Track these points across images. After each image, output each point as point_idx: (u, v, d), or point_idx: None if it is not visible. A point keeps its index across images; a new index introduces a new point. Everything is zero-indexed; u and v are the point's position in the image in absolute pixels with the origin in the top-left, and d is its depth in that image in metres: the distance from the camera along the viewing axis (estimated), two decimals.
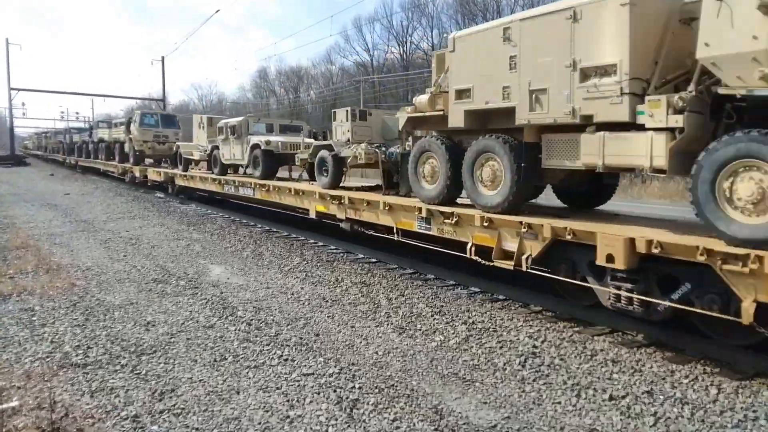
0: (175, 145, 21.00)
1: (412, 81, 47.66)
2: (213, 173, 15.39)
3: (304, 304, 6.76)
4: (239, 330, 5.70)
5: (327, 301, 6.86)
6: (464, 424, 3.85)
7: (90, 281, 7.59)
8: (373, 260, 9.34)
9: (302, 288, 7.50)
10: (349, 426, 3.78)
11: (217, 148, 15.06)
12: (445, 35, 46.94)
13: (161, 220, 13.73)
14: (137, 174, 21.77)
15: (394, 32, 52.81)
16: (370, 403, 4.11)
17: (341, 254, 9.93)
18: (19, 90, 42.58)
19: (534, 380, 4.58)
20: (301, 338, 5.49)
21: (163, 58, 44.63)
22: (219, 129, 14.77)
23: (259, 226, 13.14)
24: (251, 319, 6.05)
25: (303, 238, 11.48)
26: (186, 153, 17.62)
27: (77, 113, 74.57)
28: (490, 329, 5.86)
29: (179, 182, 17.94)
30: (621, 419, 3.94)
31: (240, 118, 14.22)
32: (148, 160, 23.63)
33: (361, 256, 9.70)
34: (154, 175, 20.22)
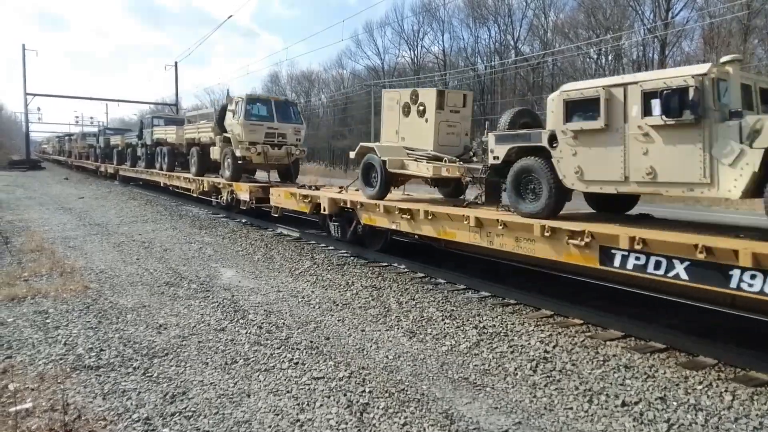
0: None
1: (424, 85, 47.72)
2: (512, 211, 7.05)
3: (314, 307, 6.77)
4: (250, 333, 5.72)
5: (337, 305, 6.86)
6: (475, 429, 3.82)
7: (103, 284, 7.66)
8: (384, 264, 9.33)
9: (313, 291, 7.51)
10: (359, 430, 3.77)
11: (535, 152, 6.67)
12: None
13: (174, 224, 13.83)
14: (245, 196, 13.10)
15: (405, 36, 52.97)
16: (381, 407, 4.10)
17: (352, 258, 9.93)
18: (34, 95, 43.22)
19: (545, 385, 4.55)
20: (311, 342, 5.50)
21: (176, 63, 45.15)
22: (569, 104, 6.20)
23: (270, 229, 13.19)
24: (262, 323, 6.07)
25: (314, 242, 11.50)
26: (392, 165, 8.89)
27: (91, 118, 75.48)
28: (501, 334, 5.83)
29: (402, 226, 8.45)
30: (634, 425, 3.89)
31: (701, 68, 5.21)
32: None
33: (371, 259, 9.70)
34: (290, 202, 11.37)
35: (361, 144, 10.04)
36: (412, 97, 9.47)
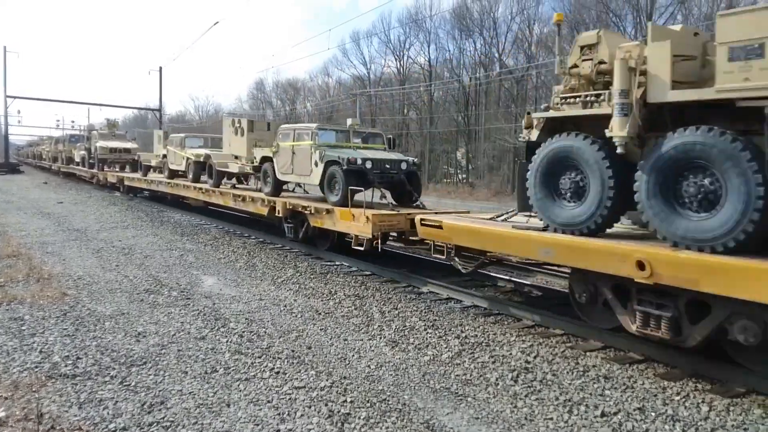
0: None
1: (409, 95, 47.94)
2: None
3: (296, 316, 6.73)
4: (231, 342, 5.67)
5: (320, 314, 6.83)
6: None
7: (81, 291, 7.53)
8: (367, 273, 9.32)
9: (295, 300, 7.47)
10: None
11: None
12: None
13: (155, 230, 13.67)
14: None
15: (392, 47, 53.13)
16: (362, 417, 4.08)
17: (335, 267, 9.90)
18: (15, 98, 42.54)
19: (526, 396, 4.57)
20: (293, 351, 5.46)
21: (160, 68, 44.79)
22: None
23: (253, 237, 13.10)
24: (243, 331, 6.01)
25: (297, 249, 11.45)
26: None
27: (73, 122, 74.15)
28: (483, 344, 5.85)
29: None
30: None
31: None
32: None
33: (354, 269, 9.68)
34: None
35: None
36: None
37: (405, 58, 51.94)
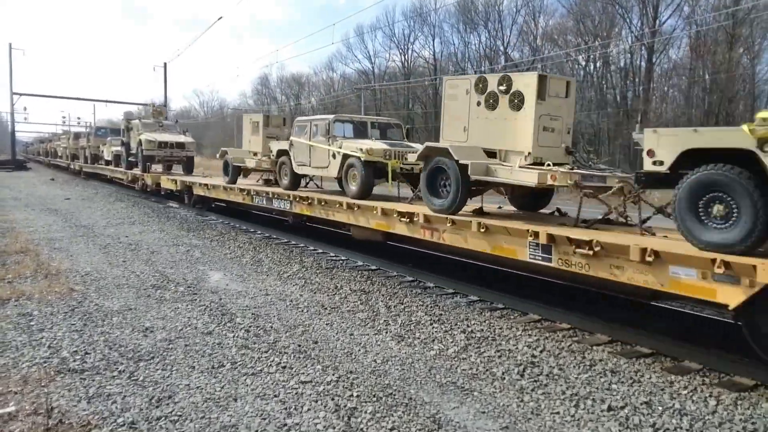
0: None
1: (414, 89, 47.88)
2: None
3: (302, 311, 6.75)
4: (237, 337, 5.69)
5: (326, 309, 6.85)
6: None
7: (89, 286, 7.57)
8: (373, 268, 9.33)
9: (301, 295, 7.49)
10: None
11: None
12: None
13: (161, 226, 13.72)
14: None
15: (396, 40, 53.05)
16: (368, 411, 4.09)
17: (341, 261, 9.92)
18: (21, 95, 42.75)
19: (532, 390, 4.57)
20: (299, 345, 5.48)
21: (165, 64, 44.84)
22: None
23: (259, 232, 13.14)
24: (250, 326, 6.04)
25: (303, 245, 11.47)
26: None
27: (78, 118, 74.39)
28: (489, 338, 5.85)
29: None
30: (620, 430, 3.92)
31: None
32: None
33: (360, 263, 9.69)
34: None
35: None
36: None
37: (410, 51, 51.92)
